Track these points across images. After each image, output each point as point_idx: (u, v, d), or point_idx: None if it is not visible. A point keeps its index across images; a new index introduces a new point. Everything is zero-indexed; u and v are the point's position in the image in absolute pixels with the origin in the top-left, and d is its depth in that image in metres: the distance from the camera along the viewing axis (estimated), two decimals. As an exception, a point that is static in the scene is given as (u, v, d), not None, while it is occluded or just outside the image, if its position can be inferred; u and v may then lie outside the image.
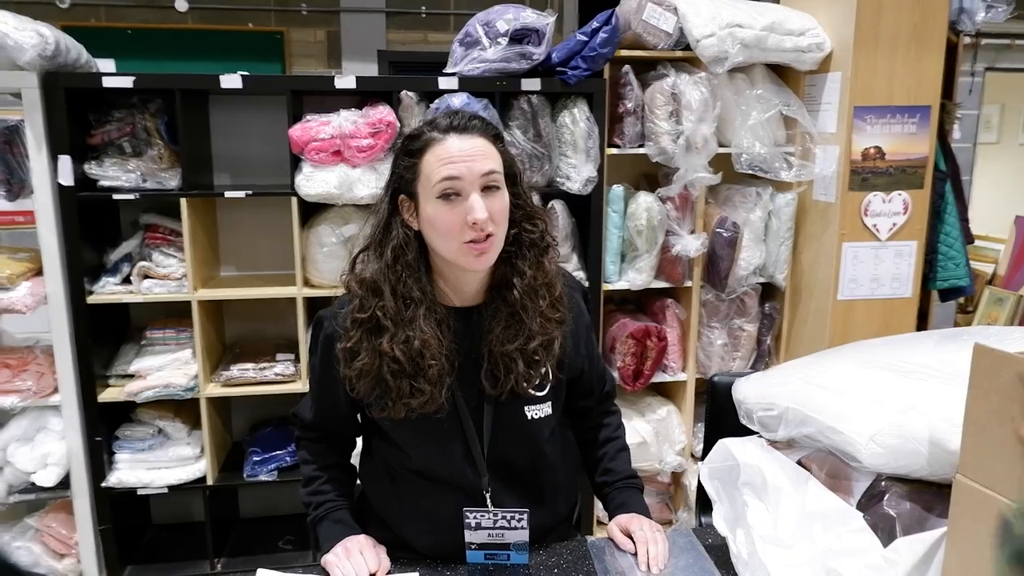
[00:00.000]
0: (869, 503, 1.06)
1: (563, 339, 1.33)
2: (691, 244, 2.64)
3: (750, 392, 1.31)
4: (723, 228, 2.65)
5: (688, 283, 2.75)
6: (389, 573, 1.29)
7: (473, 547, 1.28)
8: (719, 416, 1.85)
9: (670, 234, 2.67)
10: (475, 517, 1.27)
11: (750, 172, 2.63)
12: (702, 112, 2.54)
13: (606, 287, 2.71)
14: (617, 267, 2.72)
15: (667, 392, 2.96)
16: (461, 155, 1.21)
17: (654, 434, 2.78)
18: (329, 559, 1.29)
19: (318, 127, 2.38)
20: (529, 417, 1.33)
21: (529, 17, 2.43)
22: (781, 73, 2.70)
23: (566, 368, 1.38)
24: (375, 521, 1.43)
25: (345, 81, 2.40)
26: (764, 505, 1.14)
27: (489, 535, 1.28)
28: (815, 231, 2.70)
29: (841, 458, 1.12)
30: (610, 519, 1.44)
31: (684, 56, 2.60)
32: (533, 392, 1.32)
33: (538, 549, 1.36)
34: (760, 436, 1.29)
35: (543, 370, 1.32)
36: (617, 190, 2.64)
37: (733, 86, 2.62)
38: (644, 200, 2.62)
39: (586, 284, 2.64)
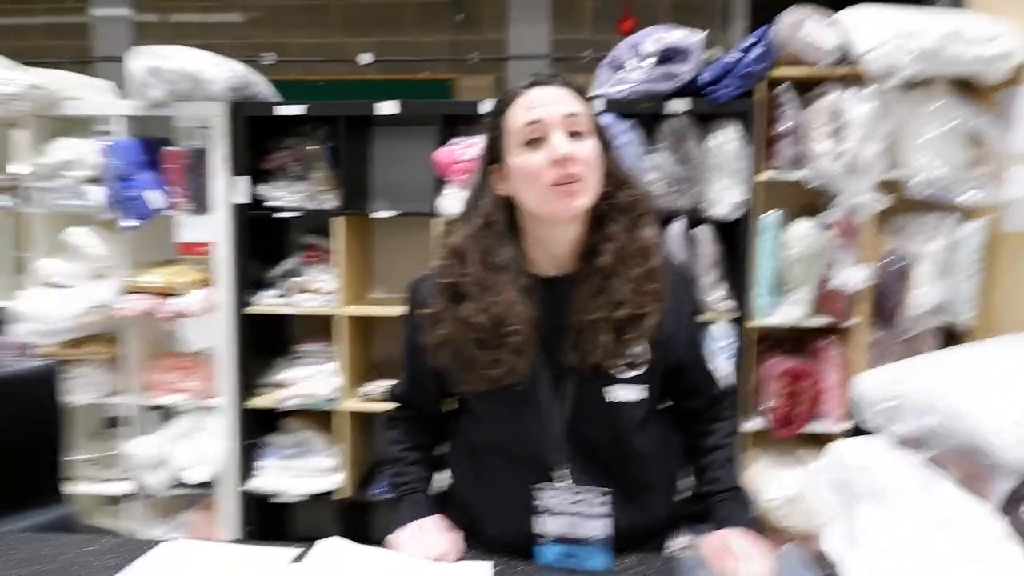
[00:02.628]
0: (1012, 507, 0.85)
1: (660, 318, 1.24)
2: (853, 276, 2.38)
3: (871, 384, 1.12)
4: (891, 259, 2.37)
5: (853, 321, 2.48)
6: (461, 560, 1.22)
7: (546, 540, 1.18)
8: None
9: (831, 265, 2.43)
10: (547, 497, 1.17)
11: (927, 196, 2.34)
12: (868, 129, 2.31)
13: (757, 321, 2.50)
14: (770, 300, 2.51)
15: (825, 444, 2.64)
16: (541, 100, 1.21)
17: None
18: (396, 538, 1.25)
19: (462, 149, 2.44)
20: (612, 399, 1.24)
21: (676, 36, 2.38)
22: (966, 88, 2.42)
23: (663, 353, 1.27)
24: (457, 505, 1.37)
25: (488, 106, 2.45)
26: (886, 515, 0.95)
27: (565, 524, 1.17)
28: (1009, 265, 2.35)
29: (973, 453, 0.91)
30: None
31: (848, 72, 2.40)
32: (620, 373, 1.24)
33: (623, 557, 1.22)
34: (882, 435, 1.09)
35: (633, 347, 1.23)
36: (772, 216, 2.45)
37: (906, 102, 2.37)
38: (801, 227, 2.42)
39: (736, 316, 2.47)
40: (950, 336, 2.52)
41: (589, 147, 1.21)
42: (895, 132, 2.36)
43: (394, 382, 1.47)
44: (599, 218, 1.25)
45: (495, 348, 1.20)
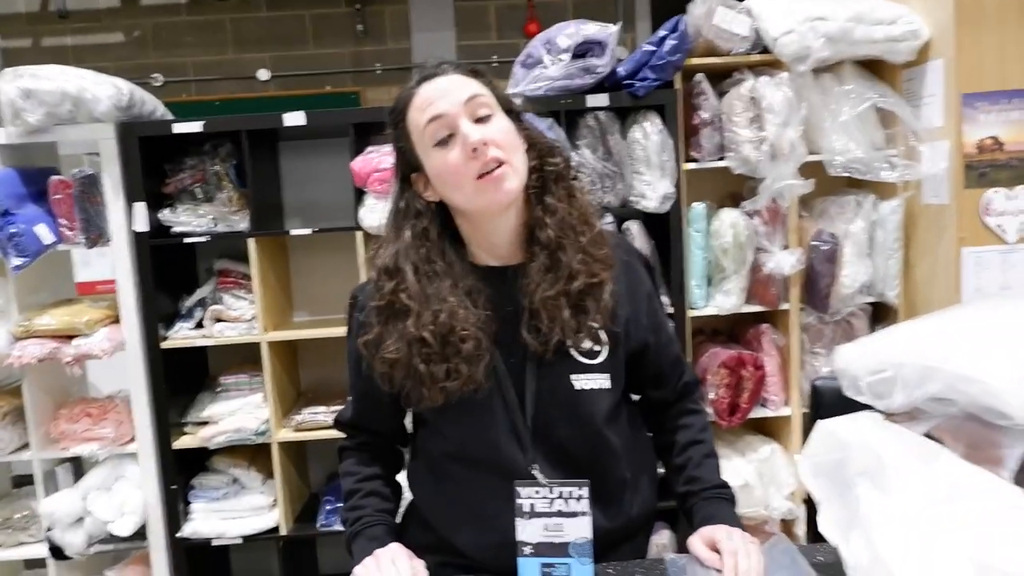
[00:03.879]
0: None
1: (614, 288, 1.18)
2: (785, 261, 2.40)
3: (854, 356, 1.09)
4: (820, 241, 2.40)
5: (785, 306, 2.49)
6: None
7: (527, 551, 1.09)
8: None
9: (760, 251, 2.44)
10: (523, 496, 1.09)
11: (847, 175, 2.38)
12: (786, 115, 2.33)
13: (692, 313, 2.49)
14: (703, 291, 2.50)
15: (769, 429, 2.66)
16: (438, 93, 1.13)
17: (757, 476, 2.49)
18: (358, 572, 1.14)
19: (380, 157, 2.33)
20: (578, 387, 1.17)
21: (590, 29, 2.33)
22: (874, 69, 2.47)
23: (623, 337, 1.21)
24: (420, 524, 1.28)
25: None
26: (885, 495, 0.90)
27: (543, 527, 1.08)
28: (928, 239, 2.41)
29: (983, 418, 0.87)
30: None
31: (762, 60, 2.42)
32: (584, 357, 1.17)
33: (604, 563, 1.15)
34: (872, 411, 1.05)
35: (592, 324, 1.17)
36: (698, 207, 2.45)
37: (819, 86, 2.41)
38: (728, 216, 2.42)
39: (671, 311, 2.44)
40: (877, 314, 2.57)
41: (501, 126, 1.15)
42: (811, 116, 2.39)
43: (340, 407, 1.36)
44: (534, 194, 1.20)
45: (447, 359, 1.13)
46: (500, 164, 1.11)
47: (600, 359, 1.19)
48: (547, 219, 1.17)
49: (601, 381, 1.19)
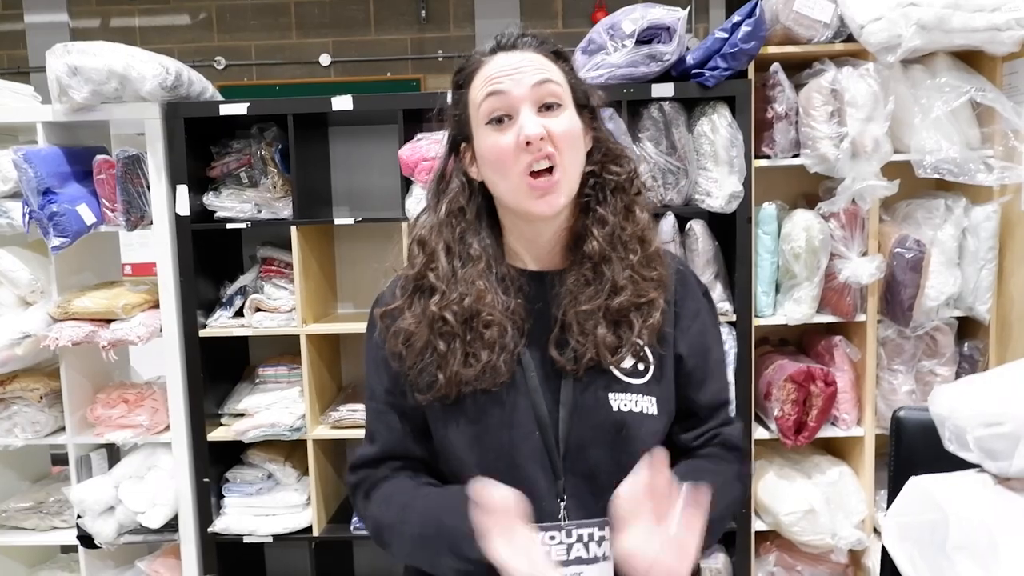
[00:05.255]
0: None
1: (666, 308, 1.05)
2: (863, 269, 2.19)
3: (961, 401, 0.91)
4: (904, 248, 2.18)
5: (861, 317, 2.28)
6: None
7: None
8: (909, 469, 1.40)
9: (836, 258, 2.24)
10: (543, 543, 0.95)
11: (936, 176, 2.15)
12: (871, 109, 2.13)
13: (758, 322, 2.30)
14: (771, 298, 2.32)
15: (839, 450, 2.46)
16: (506, 70, 1.01)
17: (824, 501, 2.29)
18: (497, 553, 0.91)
19: (429, 145, 2.21)
20: (616, 407, 1.02)
21: (657, 13, 2.17)
22: (970, 61, 2.24)
23: (672, 357, 1.07)
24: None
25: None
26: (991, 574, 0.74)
27: None
28: (1027, 250, 2.17)
29: None
30: None
31: (846, 50, 2.21)
32: (625, 376, 1.03)
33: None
34: (981, 471, 0.88)
35: (637, 341, 1.02)
36: (769, 208, 2.26)
37: (909, 79, 2.19)
38: (802, 218, 2.22)
39: (733, 318, 2.27)
40: (965, 330, 2.34)
41: (566, 121, 1.02)
42: (898, 111, 2.17)
43: (358, 451, 1.15)
44: (586, 201, 1.07)
45: (468, 344, 1.01)
46: (552, 168, 1.00)
47: (645, 379, 1.05)
48: (595, 230, 1.05)
49: (645, 404, 1.04)
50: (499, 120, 1.01)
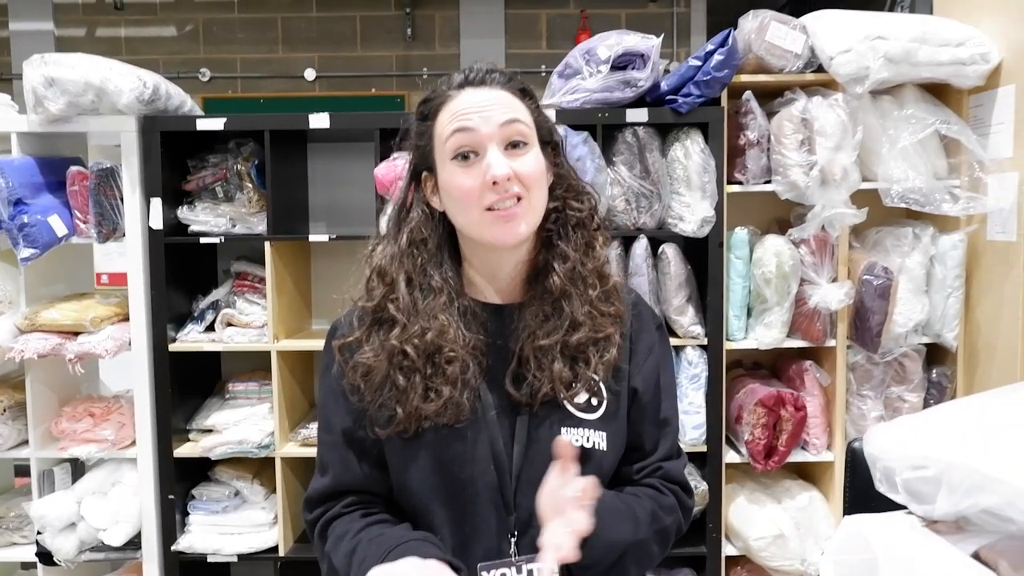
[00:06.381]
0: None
1: (622, 343, 1.06)
2: (832, 295, 2.22)
3: (891, 443, 0.92)
4: (872, 275, 2.21)
5: (831, 342, 2.31)
6: None
7: None
8: (865, 499, 1.40)
9: (806, 283, 2.27)
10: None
11: (904, 206, 2.19)
12: (840, 138, 2.16)
13: (730, 345, 2.32)
14: (743, 322, 2.33)
15: (809, 475, 2.47)
16: (475, 107, 1.01)
17: (794, 525, 2.30)
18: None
19: (405, 164, 2.22)
20: (574, 442, 1.02)
21: (632, 41, 2.20)
22: (937, 93, 2.29)
23: (627, 393, 1.08)
24: None
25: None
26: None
27: None
28: (993, 278, 2.20)
29: None
30: None
31: (816, 80, 2.25)
32: (578, 411, 1.04)
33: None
34: (910, 512, 0.89)
35: (592, 376, 1.04)
36: (741, 233, 2.29)
37: (877, 109, 2.23)
38: (773, 243, 2.25)
39: (705, 342, 2.28)
40: (933, 356, 2.37)
41: (531, 161, 1.03)
42: (867, 140, 2.21)
43: (310, 487, 1.12)
44: (548, 235, 1.09)
45: (429, 377, 1.01)
46: (518, 200, 1.01)
47: (597, 414, 1.05)
48: (557, 264, 1.06)
49: (596, 439, 1.05)
50: (465, 156, 1.01)
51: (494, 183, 0.99)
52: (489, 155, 1.00)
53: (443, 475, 1.03)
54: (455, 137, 1.01)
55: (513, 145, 1.02)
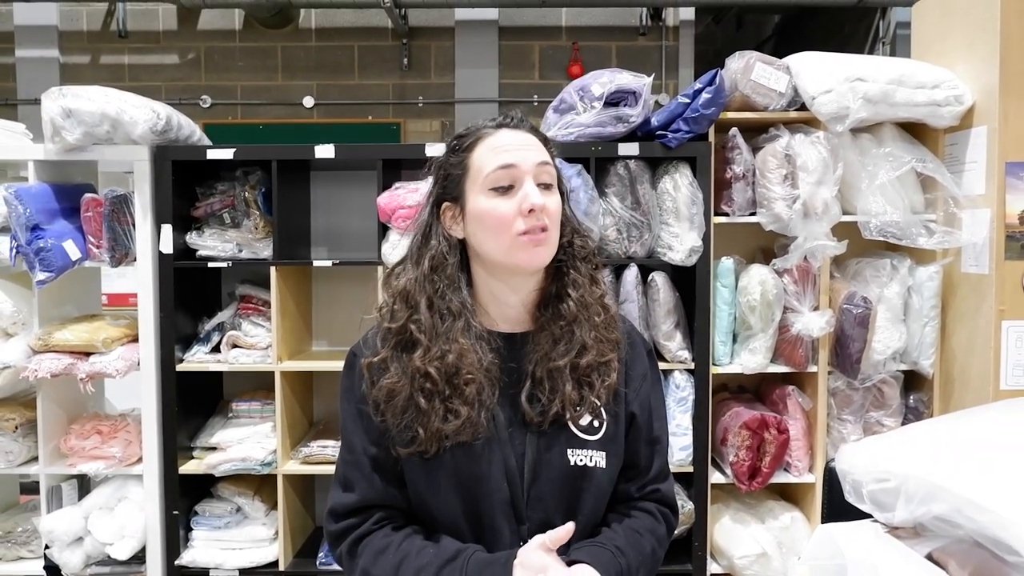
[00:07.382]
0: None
1: (620, 368, 1.17)
2: (814, 322, 2.32)
3: (858, 459, 1.02)
4: (852, 304, 2.32)
5: (813, 368, 2.41)
6: None
7: None
8: (841, 512, 1.50)
9: (789, 311, 2.37)
10: None
11: (882, 239, 2.31)
12: (821, 174, 2.28)
13: (716, 370, 2.42)
14: (728, 348, 2.43)
15: (792, 496, 2.56)
16: (515, 144, 1.13)
17: (776, 545, 2.38)
18: None
19: (406, 194, 2.33)
20: (573, 462, 1.13)
21: (624, 79, 2.32)
22: (914, 132, 2.41)
23: (625, 414, 1.18)
24: None
25: (435, 149, 2.35)
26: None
27: None
28: (967, 308, 2.31)
29: (992, 551, 0.80)
30: None
31: (799, 117, 2.37)
32: (582, 432, 1.14)
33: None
34: (875, 521, 0.98)
35: (595, 400, 1.14)
36: (727, 263, 2.39)
37: (857, 146, 2.35)
38: (757, 272, 2.36)
39: (692, 366, 2.38)
40: (911, 383, 2.47)
41: (556, 201, 1.16)
42: (847, 176, 2.33)
43: (332, 500, 1.18)
44: (557, 269, 1.19)
45: (448, 399, 1.09)
46: (544, 231, 1.12)
47: (598, 435, 1.16)
48: (570, 291, 1.17)
49: (597, 459, 1.15)
50: (504, 190, 1.12)
51: (530, 211, 1.09)
52: (526, 186, 1.11)
53: (461, 491, 1.12)
54: (498, 172, 1.11)
55: (544, 186, 1.13)
